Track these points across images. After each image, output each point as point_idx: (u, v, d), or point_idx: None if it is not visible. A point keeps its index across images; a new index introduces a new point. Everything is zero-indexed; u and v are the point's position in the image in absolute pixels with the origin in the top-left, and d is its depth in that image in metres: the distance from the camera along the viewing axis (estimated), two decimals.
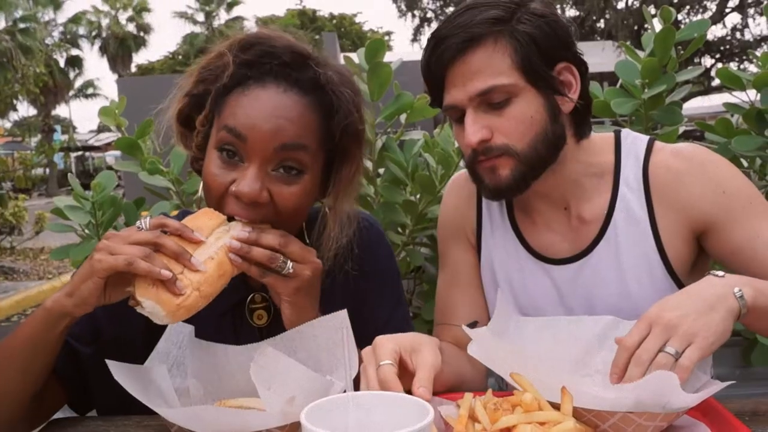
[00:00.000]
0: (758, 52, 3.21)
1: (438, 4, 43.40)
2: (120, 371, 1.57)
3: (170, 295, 1.53)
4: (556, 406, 1.47)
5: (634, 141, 2.06)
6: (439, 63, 1.89)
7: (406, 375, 1.60)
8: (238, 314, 1.95)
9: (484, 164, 1.91)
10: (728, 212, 1.91)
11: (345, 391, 1.30)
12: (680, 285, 1.95)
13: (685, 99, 3.32)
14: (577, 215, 2.03)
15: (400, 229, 3.27)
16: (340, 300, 1.88)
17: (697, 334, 1.52)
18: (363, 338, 1.88)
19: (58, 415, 1.92)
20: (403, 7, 43.57)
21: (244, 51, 1.80)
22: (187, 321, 1.70)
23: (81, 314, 1.64)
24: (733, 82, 3.10)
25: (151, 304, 1.53)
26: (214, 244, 1.62)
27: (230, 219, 1.73)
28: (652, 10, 3.28)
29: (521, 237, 2.12)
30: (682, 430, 1.56)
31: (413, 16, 44.15)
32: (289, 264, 1.70)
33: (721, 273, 1.67)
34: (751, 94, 3.08)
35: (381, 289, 2.09)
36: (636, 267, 1.97)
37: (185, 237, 1.59)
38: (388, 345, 1.64)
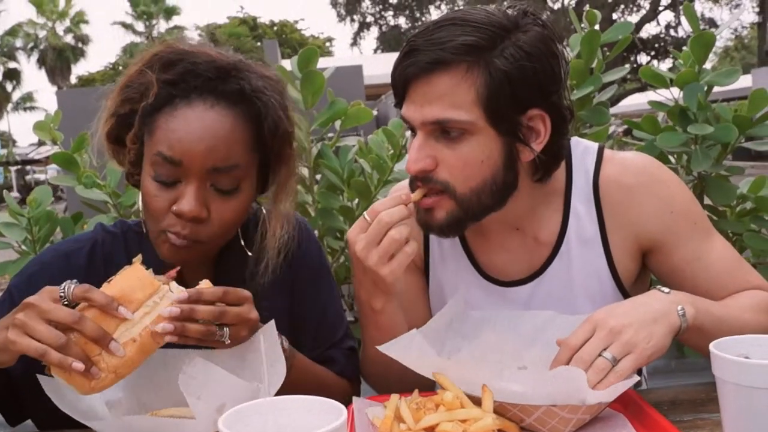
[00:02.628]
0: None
1: (377, 9, 43.47)
2: (50, 386, 1.57)
3: (83, 378, 1.50)
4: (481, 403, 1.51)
5: (584, 152, 1.99)
6: (402, 75, 1.77)
7: None
8: None
9: (423, 201, 1.81)
10: (673, 233, 1.92)
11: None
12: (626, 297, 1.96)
13: (622, 96, 3.38)
14: (533, 236, 1.98)
15: (338, 234, 3.30)
16: (279, 296, 1.94)
17: (637, 345, 1.56)
18: (300, 332, 1.92)
19: None
20: (342, 12, 43.59)
21: (166, 70, 1.79)
22: None
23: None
24: (656, 81, 3.16)
25: (63, 384, 1.52)
26: (141, 323, 1.53)
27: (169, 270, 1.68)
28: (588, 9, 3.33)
29: (473, 260, 2.06)
30: (603, 421, 1.61)
31: (352, 21, 44.21)
32: (226, 331, 1.63)
33: (666, 289, 1.71)
34: (676, 92, 3.14)
35: (316, 283, 2.10)
36: (587, 284, 1.96)
37: (110, 313, 1.52)
38: None
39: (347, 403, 1.34)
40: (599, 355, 1.56)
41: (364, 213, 1.76)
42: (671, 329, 1.63)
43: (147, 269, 1.59)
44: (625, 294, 1.97)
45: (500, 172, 1.79)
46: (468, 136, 1.74)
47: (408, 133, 3.11)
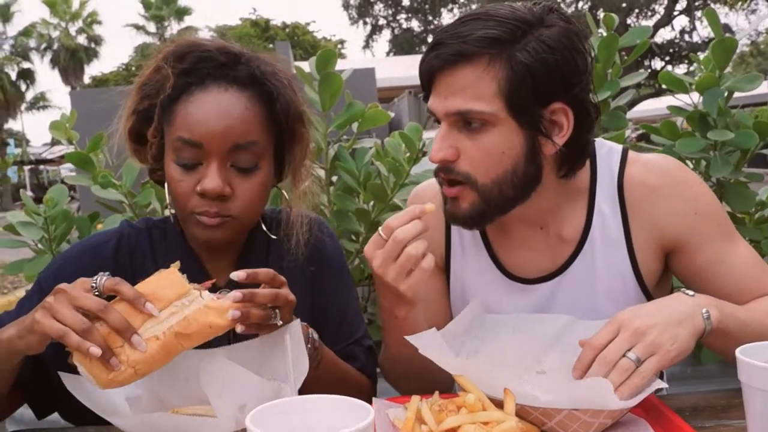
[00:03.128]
0: (703, 56, 3.27)
1: (390, 12, 43.47)
2: (73, 382, 1.58)
3: (103, 369, 1.50)
4: (502, 405, 1.51)
5: (609, 153, 2.00)
6: (428, 68, 1.81)
7: None
8: None
9: (447, 189, 1.85)
10: (697, 234, 1.91)
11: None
12: (649, 299, 1.96)
13: (637, 101, 3.37)
14: (556, 234, 1.99)
15: (353, 237, 3.29)
16: (302, 292, 1.93)
17: (661, 346, 1.56)
18: (323, 328, 1.94)
19: (14, 427, 1.92)
20: (354, 14, 43.60)
21: (180, 61, 1.87)
22: None
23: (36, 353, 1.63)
24: (675, 86, 3.15)
25: (83, 371, 1.52)
26: (166, 321, 1.54)
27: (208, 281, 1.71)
28: (602, 13, 3.32)
29: (495, 257, 2.06)
30: (624, 425, 1.61)
31: (365, 23, 44.22)
32: (278, 313, 1.69)
33: (691, 292, 1.71)
34: (695, 97, 3.13)
35: (337, 284, 2.13)
36: (611, 284, 1.96)
37: (137, 308, 1.53)
38: None
39: (368, 401, 1.34)
40: (623, 355, 1.56)
41: (380, 229, 1.74)
42: (695, 331, 1.62)
43: (183, 274, 1.60)
44: (648, 295, 1.97)
45: (521, 164, 1.80)
46: (489, 127, 1.77)
47: (425, 136, 3.11)
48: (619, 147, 2.01)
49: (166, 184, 1.92)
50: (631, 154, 1.99)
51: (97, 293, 1.55)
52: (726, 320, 1.69)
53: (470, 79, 1.75)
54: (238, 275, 1.63)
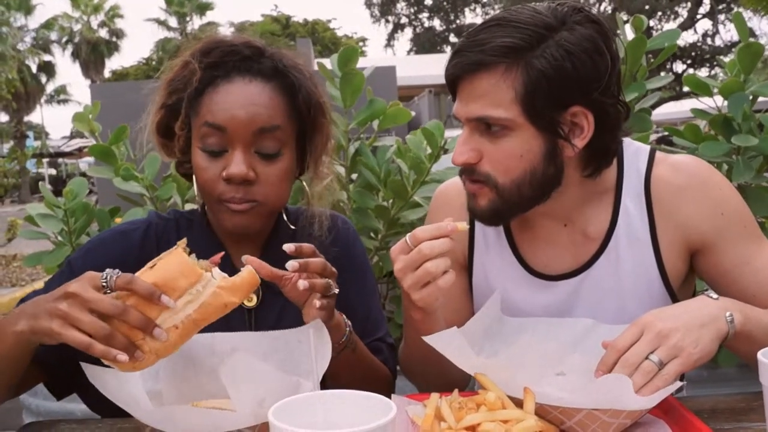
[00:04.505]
0: (727, 59, 3.26)
1: (412, 10, 43.46)
2: (94, 374, 1.59)
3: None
4: (521, 404, 1.50)
5: (636, 153, 2.00)
6: (450, 74, 1.85)
7: None
8: None
9: (468, 186, 1.89)
10: (723, 235, 1.91)
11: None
12: (675, 301, 1.95)
13: (657, 104, 3.36)
14: (582, 231, 1.99)
15: (372, 234, 3.30)
16: None
17: (684, 349, 1.55)
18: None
19: (30, 419, 1.93)
20: (377, 12, 43.62)
21: (206, 55, 1.94)
22: None
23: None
24: (700, 89, 3.14)
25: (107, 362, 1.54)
26: (184, 310, 1.54)
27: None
28: (624, 16, 3.32)
29: (518, 254, 2.07)
30: (643, 426, 1.60)
31: (387, 21, 44.22)
32: (331, 283, 1.76)
33: (715, 295, 1.70)
34: (719, 100, 3.12)
35: (362, 284, 2.16)
36: (636, 283, 1.95)
37: (153, 302, 1.53)
38: None
39: (387, 395, 1.34)
40: (646, 358, 1.55)
41: (407, 236, 1.75)
42: (719, 335, 1.61)
43: (189, 254, 1.59)
44: (673, 295, 1.96)
45: (540, 166, 1.82)
46: (508, 131, 1.79)
47: (447, 134, 3.11)
48: (647, 147, 2.01)
49: (194, 176, 1.96)
50: (659, 154, 1.99)
51: (107, 291, 1.54)
52: (750, 324, 1.68)
53: (488, 86, 1.78)
54: (288, 247, 1.73)
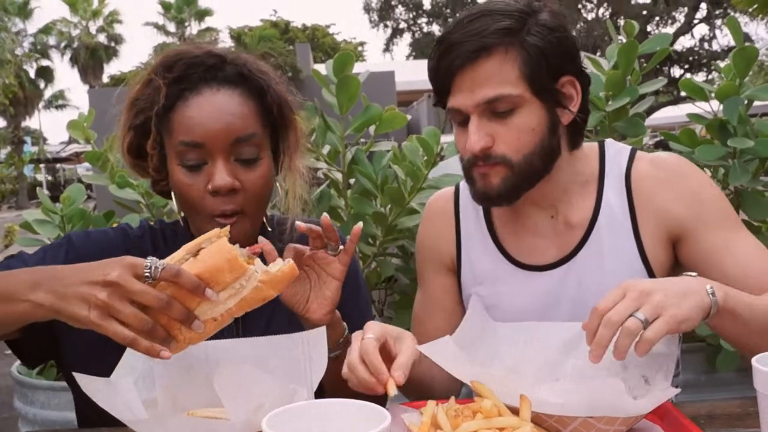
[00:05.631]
0: (723, 64, 3.27)
1: (411, 15, 43.48)
2: (87, 383, 1.58)
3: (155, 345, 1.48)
4: (517, 412, 1.50)
5: (618, 151, 2.09)
6: (448, 68, 1.89)
7: (386, 360, 1.65)
8: None
9: (480, 169, 1.92)
10: (702, 220, 1.94)
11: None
12: None
13: (655, 109, 3.37)
14: (564, 220, 2.05)
15: (370, 240, 3.30)
16: None
17: (668, 308, 1.54)
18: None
19: (27, 428, 1.92)
20: (375, 17, 43.63)
21: (169, 70, 1.92)
22: None
23: None
24: (696, 94, 3.15)
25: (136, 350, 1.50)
26: (225, 304, 1.52)
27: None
28: (622, 20, 3.33)
29: (502, 247, 2.11)
30: None
31: (385, 26, 44.23)
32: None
33: (694, 273, 1.70)
34: (715, 105, 3.13)
35: (355, 294, 2.15)
36: (618, 272, 1.97)
37: (198, 297, 1.50)
38: (375, 327, 1.71)
39: (383, 404, 1.34)
40: (631, 315, 1.54)
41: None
42: (701, 305, 1.59)
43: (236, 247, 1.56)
44: None
45: (547, 137, 1.92)
46: (517, 109, 1.88)
47: (443, 140, 3.11)
48: (628, 147, 2.09)
49: (173, 194, 1.95)
50: (639, 152, 2.07)
51: (150, 281, 1.48)
52: (732, 300, 1.67)
53: (493, 69, 1.86)
54: (299, 226, 1.81)
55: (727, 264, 1.91)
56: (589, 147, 2.11)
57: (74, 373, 1.58)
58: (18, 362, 4.24)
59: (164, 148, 1.94)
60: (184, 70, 1.91)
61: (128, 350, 1.71)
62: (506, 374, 1.65)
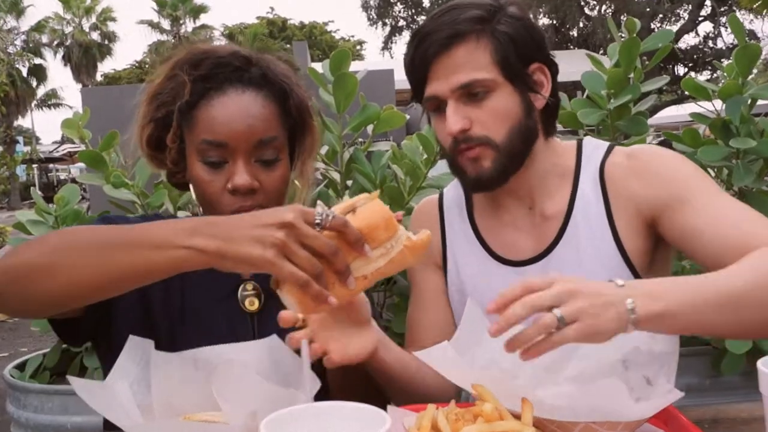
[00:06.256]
0: (726, 62, 3.26)
1: (409, 13, 43.50)
2: (82, 386, 1.56)
3: (311, 303, 1.48)
4: (519, 416, 1.48)
5: (596, 147, 2.11)
6: (424, 56, 1.97)
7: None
8: (232, 302, 2.03)
9: (467, 154, 1.97)
10: (673, 198, 1.93)
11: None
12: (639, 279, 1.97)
13: (659, 108, 3.36)
14: (541, 212, 2.07)
15: None
16: None
17: (587, 317, 1.47)
18: None
19: (19, 431, 1.90)
20: (373, 15, 43.64)
21: (196, 67, 1.94)
22: (181, 309, 1.95)
23: None
24: (698, 93, 3.14)
25: (290, 302, 1.50)
26: (375, 263, 1.54)
27: None
28: (625, 18, 3.32)
29: (485, 244, 2.14)
30: None
31: (384, 24, 44.23)
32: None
33: (621, 282, 1.58)
34: (718, 104, 3.11)
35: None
36: (595, 263, 1.99)
37: (357, 251, 1.50)
38: None
39: (384, 407, 1.32)
40: (550, 311, 1.47)
41: None
42: (619, 319, 1.51)
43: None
44: (636, 274, 1.99)
45: (523, 119, 1.98)
46: (491, 93, 1.95)
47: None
48: (606, 143, 2.14)
49: (191, 186, 1.98)
50: (617, 147, 2.10)
51: (318, 229, 1.47)
52: (661, 303, 1.56)
53: (466, 54, 1.95)
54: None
55: (706, 230, 1.86)
56: (566, 144, 2.15)
57: (69, 377, 1.56)
58: (11, 365, 4.23)
59: (184, 142, 1.97)
60: (211, 69, 1.94)
61: (123, 354, 1.70)
62: (506, 378, 1.63)
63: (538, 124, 2.04)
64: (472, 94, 1.95)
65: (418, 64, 1.99)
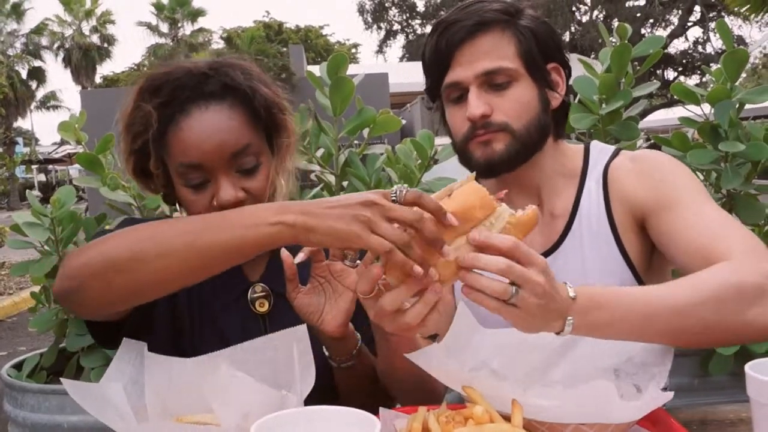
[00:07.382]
0: (715, 67, 3.27)
1: (404, 17, 43.45)
2: (75, 389, 1.57)
3: (400, 274, 1.49)
4: (509, 419, 1.49)
5: (602, 150, 2.16)
6: (449, 43, 2.00)
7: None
8: (242, 304, 2.06)
9: (480, 138, 1.99)
10: (660, 200, 1.95)
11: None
12: (639, 279, 2.00)
13: (649, 112, 3.38)
14: (549, 210, 2.10)
15: None
16: None
17: (527, 310, 1.47)
18: None
19: (16, 430, 1.91)
20: (369, 19, 43.59)
21: (156, 94, 1.93)
22: (200, 313, 2.01)
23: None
24: (687, 97, 3.15)
25: (395, 284, 1.50)
26: (466, 246, 1.50)
27: None
28: (616, 23, 3.34)
29: None
30: None
31: (379, 28, 44.20)
32: None
33: (573, 294, 1.56)
34: (707, 108, 3.13)
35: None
36: (598, 261, 2.01)
37: (438, 220, 1.49)
38: None
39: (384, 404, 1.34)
40: (511, 284, 1.47)
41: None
42: (552, 328, 1.54)
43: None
44: (636, 274, 2.01)
45: (541, 113, 2.03)
46: (514, 82, 2.00)
47: (437, 143, 3.11)
48: (613, 147, 2.16)
49: (182, 207, 2.02)
50: (624, 151, 2.13)
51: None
52: (595, 315, 1.57)
53: (492, 43, 1.99)
54: (299, 257, 1.78)
55: (681, 239, 1.88)
56: (576, 146, 2.18)
57: (62, 379, 1.57)
58: (8, 365, 4.23)
59: (167, 167, 1.97)
60: (171, 93, 1.93)
61: (117, 355, 1.72)
62: (496, 380, 1.64)
63: (551, 122, 2.08)
64: (494, 84, 1.99)
65: (443, 51, 2.01)
